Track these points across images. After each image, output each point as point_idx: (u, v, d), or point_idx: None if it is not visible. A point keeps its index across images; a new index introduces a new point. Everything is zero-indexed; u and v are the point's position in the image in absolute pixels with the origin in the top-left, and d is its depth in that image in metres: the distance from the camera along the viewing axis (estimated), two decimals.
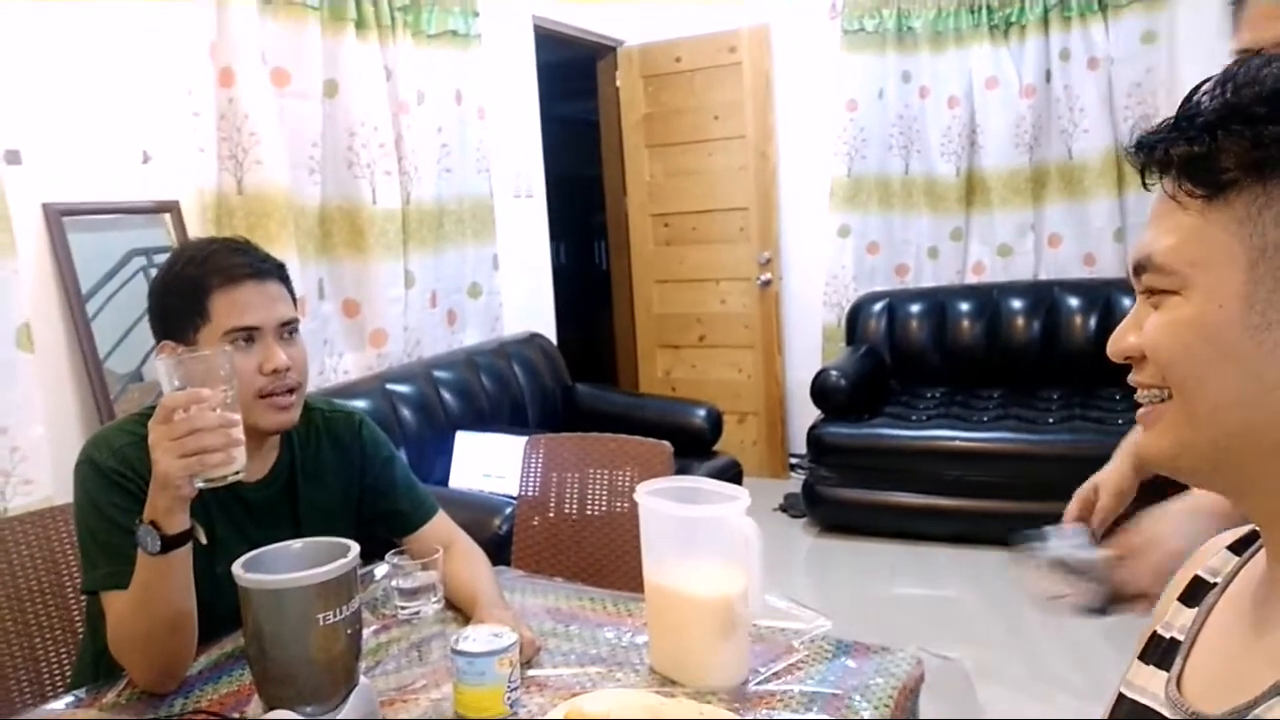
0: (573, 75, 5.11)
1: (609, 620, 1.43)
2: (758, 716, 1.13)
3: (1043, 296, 4.20)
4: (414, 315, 3.32)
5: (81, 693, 1.29)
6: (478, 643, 1.14)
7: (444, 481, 3.05)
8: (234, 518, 1.41)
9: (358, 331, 3.18)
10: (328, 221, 3.05)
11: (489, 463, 3.05)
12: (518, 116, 4.03)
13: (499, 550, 2.20)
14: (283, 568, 1.10)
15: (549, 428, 3.31)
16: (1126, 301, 3.83)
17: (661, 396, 4.61)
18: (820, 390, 3.98)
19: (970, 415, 3.92)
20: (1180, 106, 0.63)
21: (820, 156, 4.59)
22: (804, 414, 4.32)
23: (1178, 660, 0.70)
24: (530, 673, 1.26)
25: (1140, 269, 0.64)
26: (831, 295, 4.63)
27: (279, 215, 2.71)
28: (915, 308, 4.41)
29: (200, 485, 1.14)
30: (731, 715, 1.11)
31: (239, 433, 1.15)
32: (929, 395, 4.24)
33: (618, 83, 4.87)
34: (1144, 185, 0.65)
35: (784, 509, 4.24)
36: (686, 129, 4.72)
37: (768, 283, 4.64)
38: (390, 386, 3.03)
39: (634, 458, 2.03)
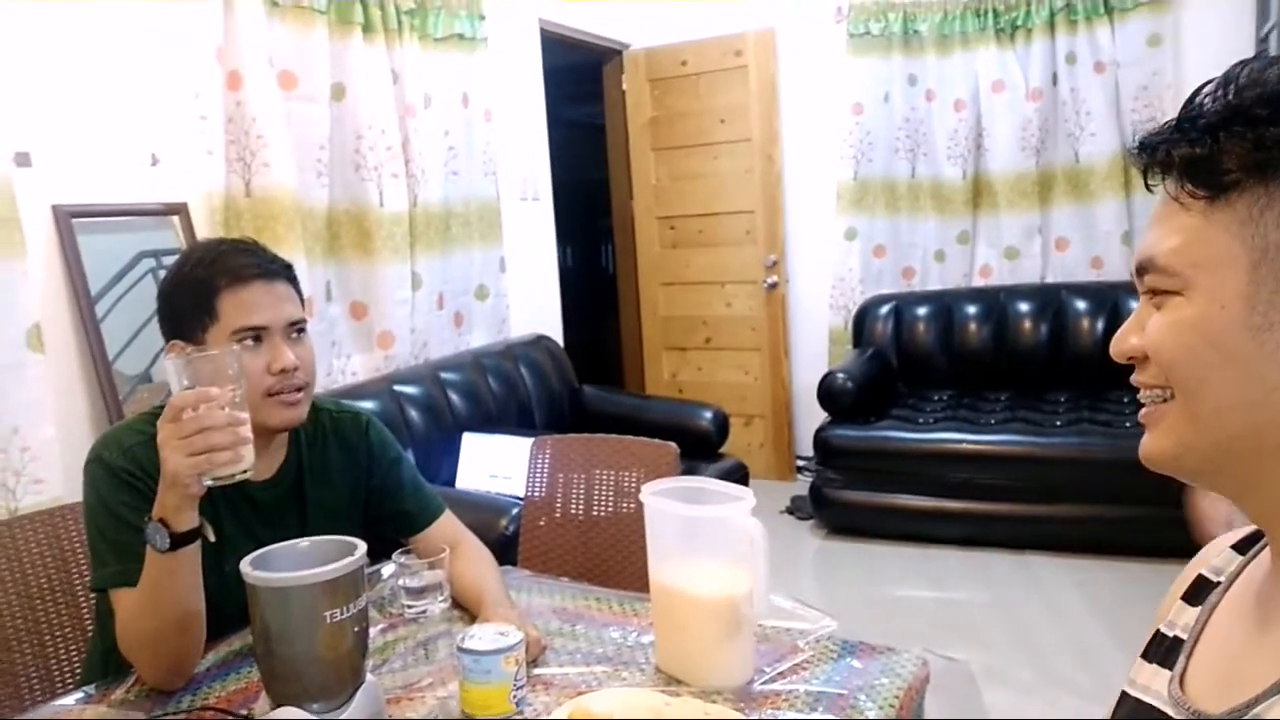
0: (579, 78, 5.12)
1: (615, 620, 1.43)
2: (763, 716, 1.14)
3: (1050, 299, 4.20)
4: (421, 317, 3.33)
5: (91, 689, 1.29)
6: (484, 641, 1.14)
7: (451, 482, 3.06)
8: (242, 517, 1.42)
9: (365, 333, 3.19)
10: (335, 224, 3.07)
11: (495, 464, 3.06)
12: (524, 120, 4.05)
13: (505, 551, 2.20)
14: (290, 566, 1.11)
15: (556, 429, 3.31)
16: (1133, 304, 3.80)
17: (668, 399, 4.61)
18: (827, 393, 3.97)
19: (977, 418, 3.92)
20: (1183, 108, 0.63)
21: (826, 159, 4.59)
22: (811, 416, 4.32)
23: (1180, 659, 0.70)
24: (536, 671, 1.26)
25: (1143, 270, 0.65)
26: (838, 298, 4.63)
27: (286, 218, 2.73)
28: (922, 310, 4.40)
29: (208, 483, 1.15)
30: (737, 715, 1.11)
31: (247, 431, 1.16)
32: (936, 398, 4.23)
33: (624, 86, 4.87)
34: (1147, 187, 0.66)
35: (791, 511, 4.23)
36: (692, 132, 4.73)
37: (774, 285, 4.64)
38: (397, 388, 3.04)
39: (640, 459, 2.03)
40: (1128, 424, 3.54)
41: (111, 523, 1.29)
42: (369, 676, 1.14)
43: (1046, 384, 4.13)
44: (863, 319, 4.48)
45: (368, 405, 2.72)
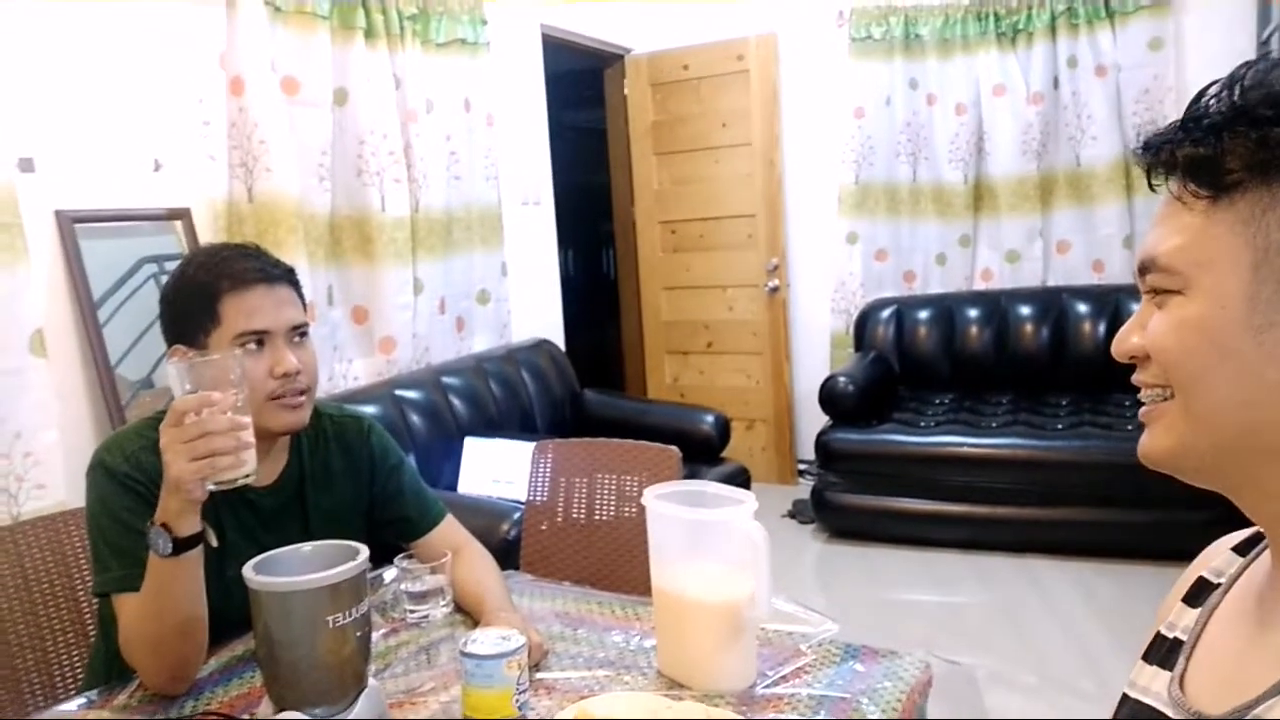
0: (581, 83, 5.13)
1: (617, 624, 1.43)
2: (765, 719, 1.14)
3: (1051, 303, 4.20)
4: (423, 322, 3.33)
5: (94, 694, 1.30)
6: (486, 645, 1.14)
7: (453, 487, 3.06)
8: (244, 523, 1.42)
9: (367, 338, 3.19)
10: (337, 229, 3.07)
11: (498, 468, 3.06)
12: (526, 124, 4.05)
13: (508, 555, 2.20)
14: (293, 570, 1.11)
15: (557, 434, 3.31)
16: (1134, 307, 3.80)
17: (670, 403, 4.61)
18: (828, 396, 3.97)
19: (979, 421, 3.92)
20: (1187, 108, 0.63)
21: (828, 164, 4.59)
22: (812, 420, 4.32)
23: (1180, 660, 0.70)
24: (539, 676, 1.26)
25: (1145, 269, 0.65)
26: (839, 302, 4.63)
27: (289, 223, 2.73)
28: (923, 314, 4.40)
29: (211, 488, 1.15)
30: (739, 718, 1.11)
31: (249, 436, 1.16)
32: (937, 401, 4.23)
33: (625, 91, 4.88)
34: (1150, 186, 0.66)
35: (792, 515, 4.23)
36: (694, 136, 4.73)
37: (775, 289, 4.64)
38: (399, 393, 3.04)
39: (642, 463, 2.03)
40: (1129, 427, 3.54)
41: (114, 527, 1.29)
42: (371, 681, 1.15)
43: (1048, 387, 4.13)
44: (864, 322, 4.49)
45: (369, 410, 2.72)
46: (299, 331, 1.42)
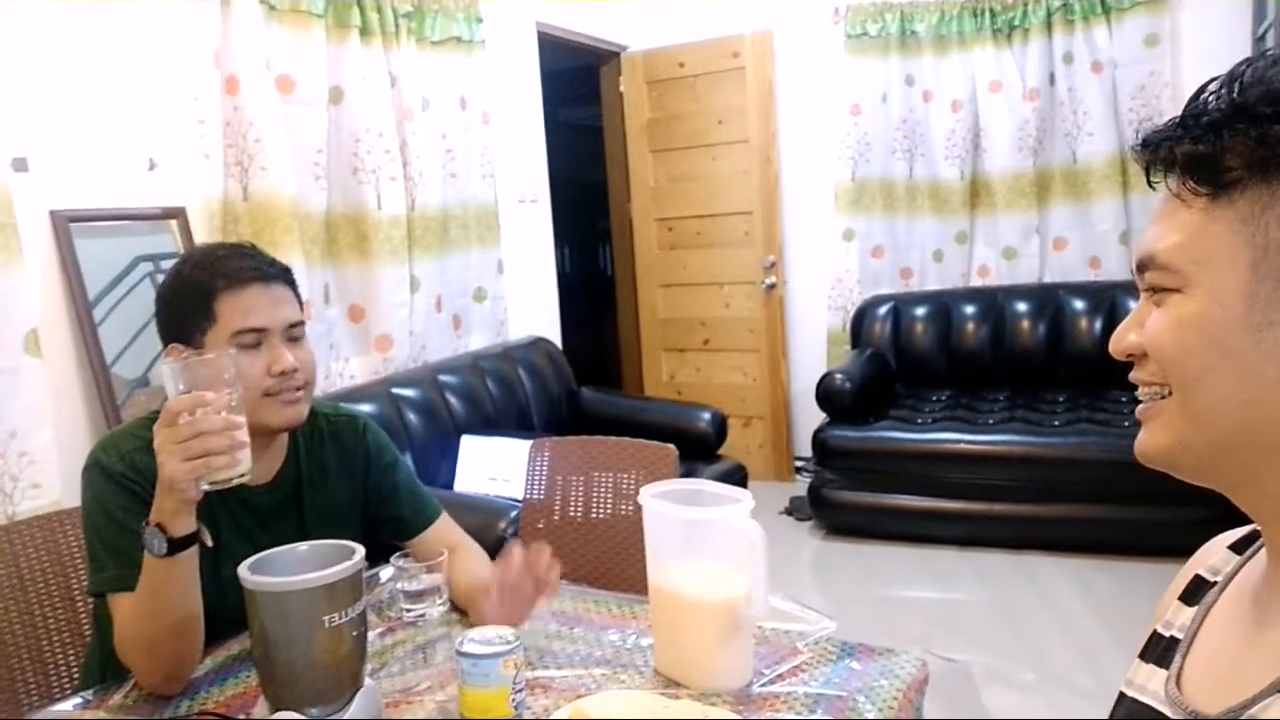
0: (577, 81, 5.12)
1: (613, 622, 1.43)
2: (762, 718, 1.14)
3: (1048, 299, 4.20)
4: (419, 320, 3.33)
5: (89, 694, 1.29)
6: (482, 644, 1.14)
7: (449, 485, 3.06)
8: (240, 522, 1.42)
9: (363, 336, 3.19)
10: (333, 227, 3.06)
11: (494, 466, 3.05)
12: (522, 122, 4.05)
13: None
14: (288, 570, 1.11)
15: (554, 431, 3.31)
16: (1131, 304, 3.81)
17: (666, 400, 4.61)
18: (825, 394, 3.97)
19: (975, 418, 3.92)
20: (1187, 105, 0.63)
21: (824, 160, 4.59)
22: (809, 417, 4.32)
23: (1177, 658, 0.70)
24: (535, 674, 1.26)
25: (1143, 266, 0.65)
26: (836, 299, 4.63)
27: (284, 221, 2.73)
28: (920, 311, 4.40)
29: (205, 488, 1.15)
30: (736, 717, 1.11)
31: (244, 435, 1.16)
32: (934, 398, 4.23)
33: (621, 88, 4.88)
34: (1149, 183, 0.65)
35: (789, 512, 4.23)
36: (690, 134, 4.73)
37: (772, 286, 4.64)
38: (396, 391, 3.04)
39: (639, 461, 2.03)
40: (1126, 424, 3.54)
41: (109, 527, 1.29)
42: (367, 680, 1.14)
43: (1045, 384, 4.13)
44: (861, 319, 4.49)
45: (366, 408, 2.72)
46: (295, 330, 1.42)
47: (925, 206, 4.51)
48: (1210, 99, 0.61)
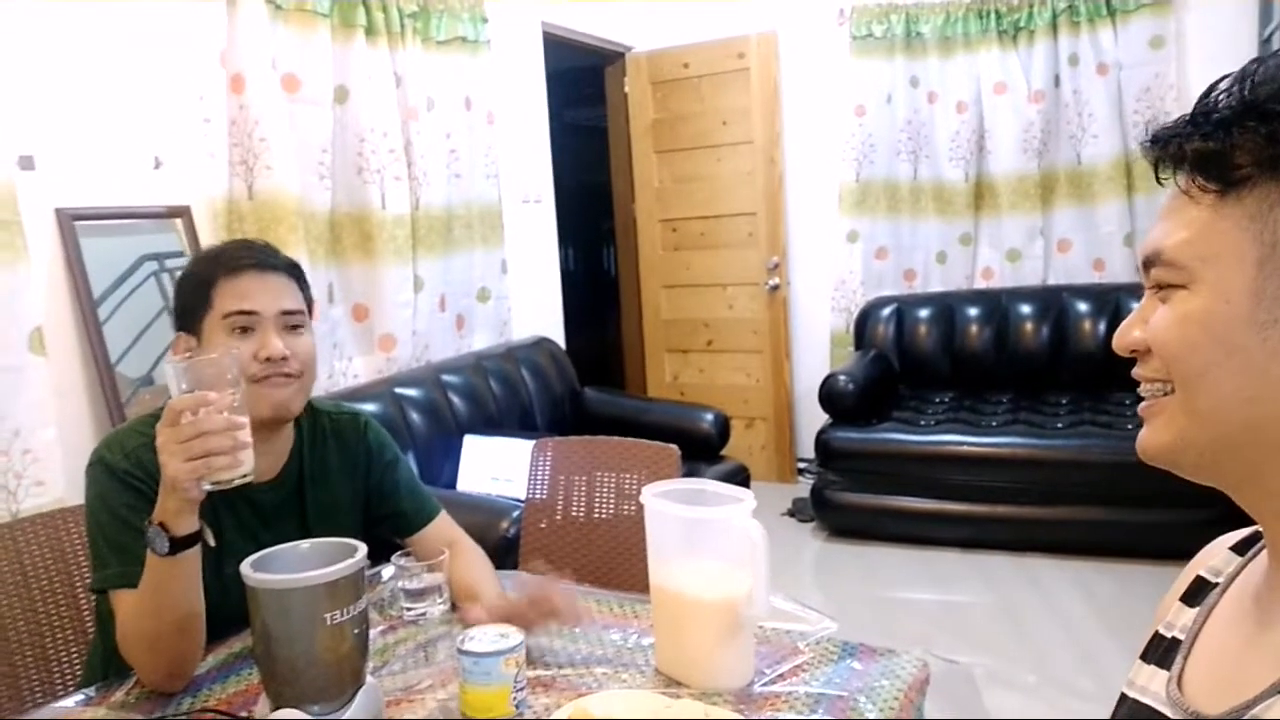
0: (581, 81, 5.12)
1: (615, 622, 1.43)
2: (763, 718, 1.14)
3: (1052, 301, 4.19)
4: (423, 320, 3.33)
5: (91, 691, 1.30)
6: (484, 643, 1.14)
7: (452, 484, 3.06)
8: (242, 520, 1.42)
9: (367, 335, 3.19)
10: (337, 227, 3.07)
11: (497, 466, 3.06)
12: (527, 122, 4.05)
13: (507, 553, 2.21)
14: (290, 568, 1.11)
15: (557, 432, 3.31)
16: (1135, 306, 3.81)
17: (669, 401, 4.60)
18: (828, 395, 3.97)
19: (979, 420, 3.92)
20: (1197, 103, 0.63)
21: (828, 162, 4.59)
22: (812, 419, 4.31)
23: (1178, 659, 0.70)
24: (536, 673, 1.26)
25: (1150, 263, 0.64)
26: (840, 300, 4.63)
27: (289, 220, 2.73)
28: (924, 313, 4.40)
29: (208, 488, 1.15)
30: (737, 716, 1.11)
31: (246, 435, 1.16)
32: (937, 400, 4.23)
33: (626, 89, 4.88)
34: (1158, 180, 0.65)
35: (792, 514, 4.23)
36: (694, 135, 4.73)
37: (776, 288, 4.64)
38: (399, 390, 3.04)
39: (641, 461, 2.03)
40: (1129, 426, 3.54)
41: (113, 524, 1.29)
42: (369, 679, 1.14)
43: (1048, 386, 4.13)
44: (864, 321, 4.48)
45: (369, 407, 2.72)
46: (293, 319, 1.42)
47: (929, 208, 4.50)
48: (1221, 96, 0.61)
